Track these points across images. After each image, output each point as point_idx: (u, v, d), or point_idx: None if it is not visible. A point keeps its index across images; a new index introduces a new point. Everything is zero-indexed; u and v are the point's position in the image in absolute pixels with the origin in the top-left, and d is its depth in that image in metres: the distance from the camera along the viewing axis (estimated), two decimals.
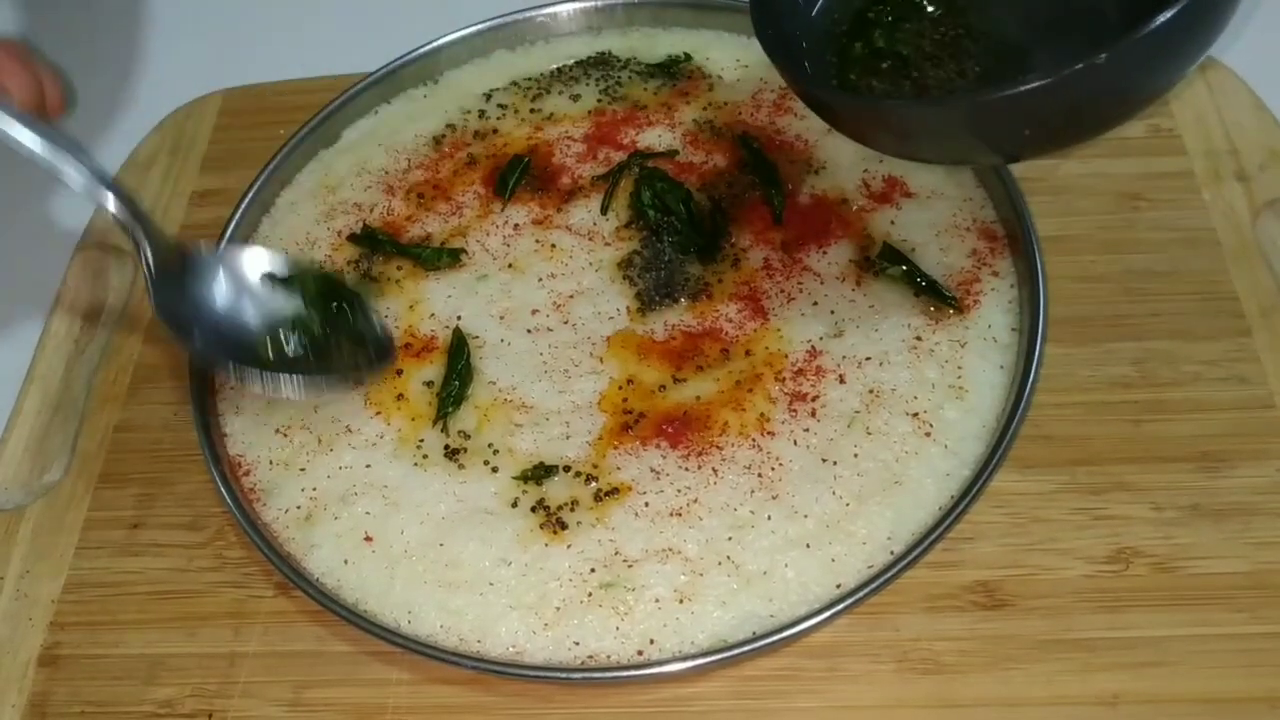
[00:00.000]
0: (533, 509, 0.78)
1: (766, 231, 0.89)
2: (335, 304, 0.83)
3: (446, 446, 0.81)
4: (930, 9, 0.87)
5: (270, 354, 0.79)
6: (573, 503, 0.78)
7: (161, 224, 1.03)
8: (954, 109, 0.75)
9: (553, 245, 0.91)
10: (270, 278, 0.81)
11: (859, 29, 0.88)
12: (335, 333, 0.82)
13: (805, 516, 0.76)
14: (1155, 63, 0.69)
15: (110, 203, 0.75)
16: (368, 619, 0.74)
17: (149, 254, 0.76)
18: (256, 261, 0.82)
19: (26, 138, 0.70)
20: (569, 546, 0.76)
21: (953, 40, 0.85)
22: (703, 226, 0.89)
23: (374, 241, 0.92)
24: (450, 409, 0.83)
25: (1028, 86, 0.66)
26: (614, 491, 0.78)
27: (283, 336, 0.80)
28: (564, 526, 0.77)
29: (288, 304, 0.81)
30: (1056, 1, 0.84)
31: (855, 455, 0.78)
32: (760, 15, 0.85)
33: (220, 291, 0.80)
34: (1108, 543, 0.79)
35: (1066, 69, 0.65)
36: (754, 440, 0.79)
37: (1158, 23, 0.64)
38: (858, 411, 0.80)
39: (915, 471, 0.77)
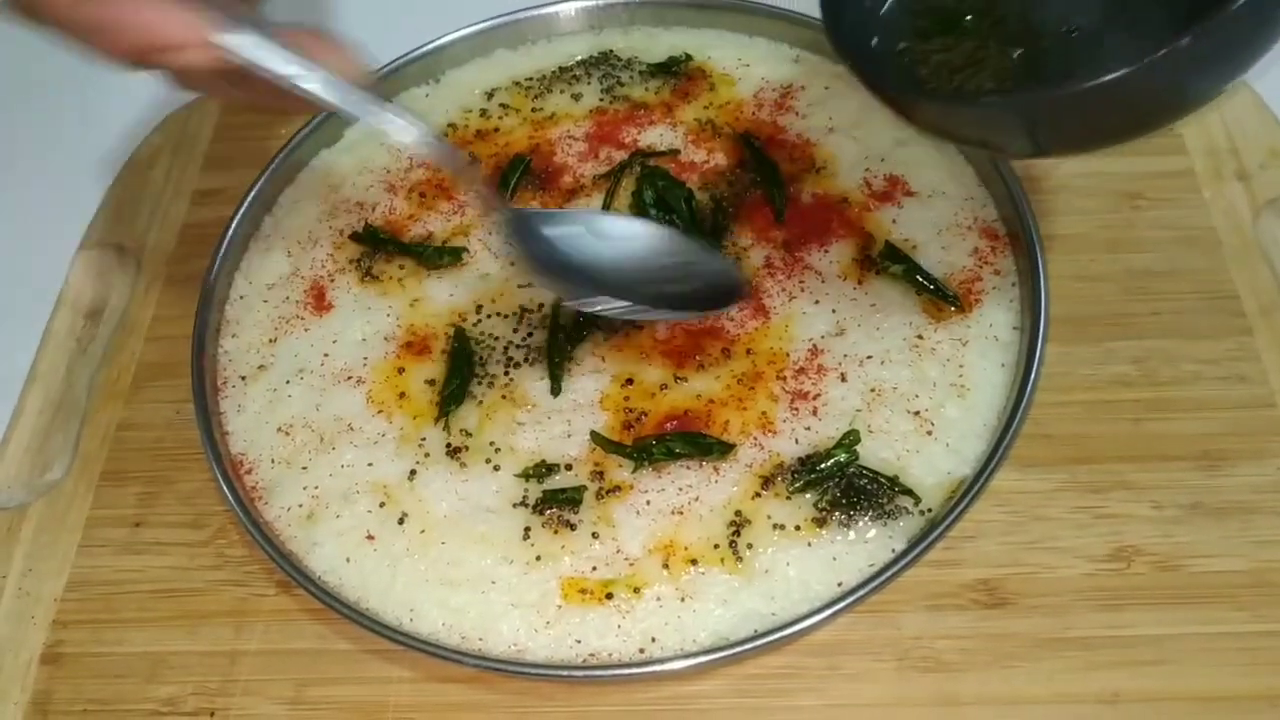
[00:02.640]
0: (534, 507, 0.78)
1: (768, 230, 0.89)
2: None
3: (448, 445, 0.82)
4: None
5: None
6: (574, 501, 0.78)
7: (165, 222, 1.05)
8: (1021, 104, 0.71)
9: None
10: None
11: (929, 17, 0.83)
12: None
13: (807, 515, 0.76)
14: (1229, 50, 0.65)
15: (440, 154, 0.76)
16: (369, 617, 0.74)
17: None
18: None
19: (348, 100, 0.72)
20: (571, 545, 0.77)
21: (1009, 26, 0.81)
22: (704, 225, 0.89)
23: (376, 240, 0.93)
24: (452, 407, 0.83)
25: (1107, 78, 0.63)
26: (616, 490, 0.78)
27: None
28: (566, 525, 0.77)
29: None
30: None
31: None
32: (831, 20, 0.80)
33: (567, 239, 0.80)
34: (1108, 541, 0.79)
35: (1141, 59, 0.61)
36: (755, 438, 0.79)
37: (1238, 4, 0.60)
38: (859, 410, 0.80)
39: (916, 470, 0.78)
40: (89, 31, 0.66)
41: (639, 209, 0.91)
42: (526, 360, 0.85)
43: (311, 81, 0.69)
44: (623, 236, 0.81)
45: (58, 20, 0.66)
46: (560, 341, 0.84)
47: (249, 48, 0.68)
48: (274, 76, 0.68)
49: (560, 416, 0.82)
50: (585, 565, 0.76)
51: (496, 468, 0.80)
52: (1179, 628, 0.76)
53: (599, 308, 0.78)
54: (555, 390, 0.82)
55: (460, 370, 0.84)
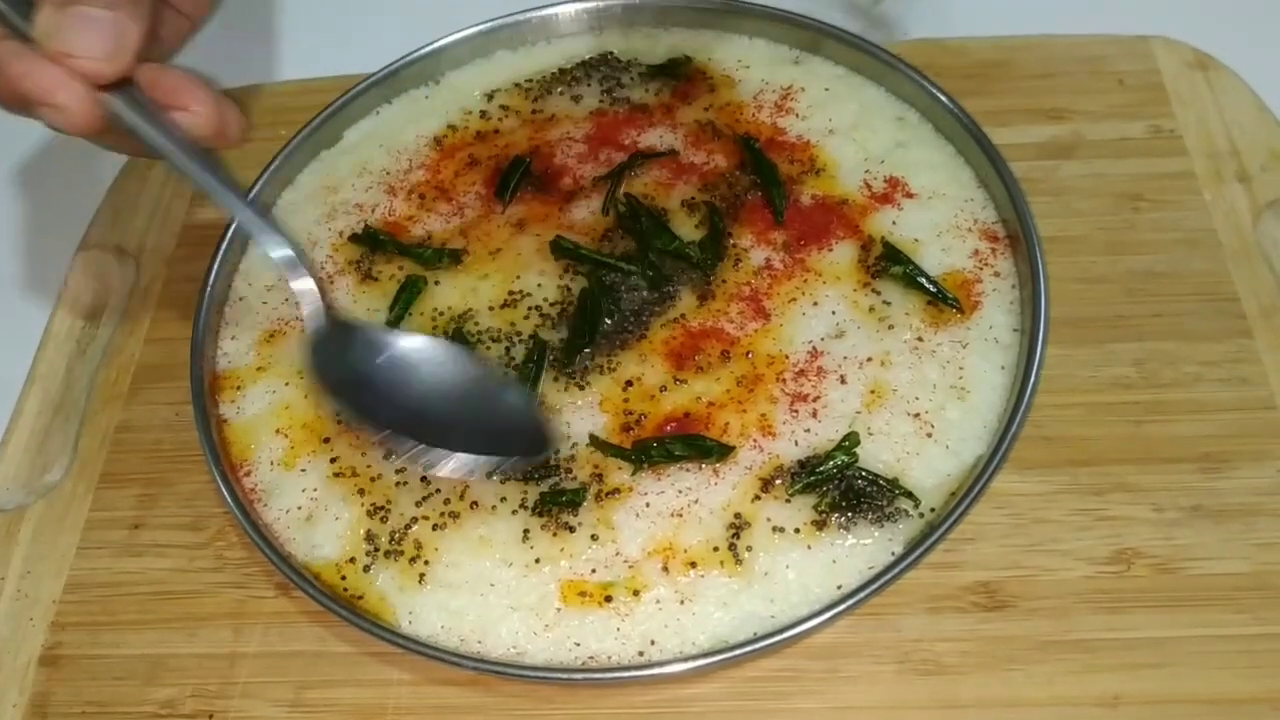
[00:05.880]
0: (533, 510, 0.78)
1: (768, 232, 0.89)
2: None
3: None
4: None
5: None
6: (574, 503, 0.78)
7: (165, 223, 1.05)
8: None
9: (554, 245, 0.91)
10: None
11: None
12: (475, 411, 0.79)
13: (806, 517, 0.76)
14: None
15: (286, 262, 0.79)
16: (369, 619, 0.74)
17: (313, 317, 0.78)
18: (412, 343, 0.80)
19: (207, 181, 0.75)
20: (570, 547, 0.76)
21: None
22: (701, 225, 0.89)
23: (375, 242, 0.92)
24: None
25: None
26: (615, 492, 0.78)
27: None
28: (565, 527, 0.77)
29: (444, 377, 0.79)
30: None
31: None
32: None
33: (374, 362, 0.79)
34: (1109, 543, 0.79)
35: None
36: (755, 441, 0.79)
37: None
38: (859, 412, 0.80)
39: (916, 472, 0.77)
40: None
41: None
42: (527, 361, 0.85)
43: (181, 159, 0.72)
44: (431, 362, 0.79)
45: None
46: (545, 361, 0.84)
47: (118, 107, 0.69)
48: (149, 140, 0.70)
49: (559, 418, 0.82)
50: (584, 568, 0.76)
51: None
52: (1179, 630, 0.76)
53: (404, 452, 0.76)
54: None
55: None
